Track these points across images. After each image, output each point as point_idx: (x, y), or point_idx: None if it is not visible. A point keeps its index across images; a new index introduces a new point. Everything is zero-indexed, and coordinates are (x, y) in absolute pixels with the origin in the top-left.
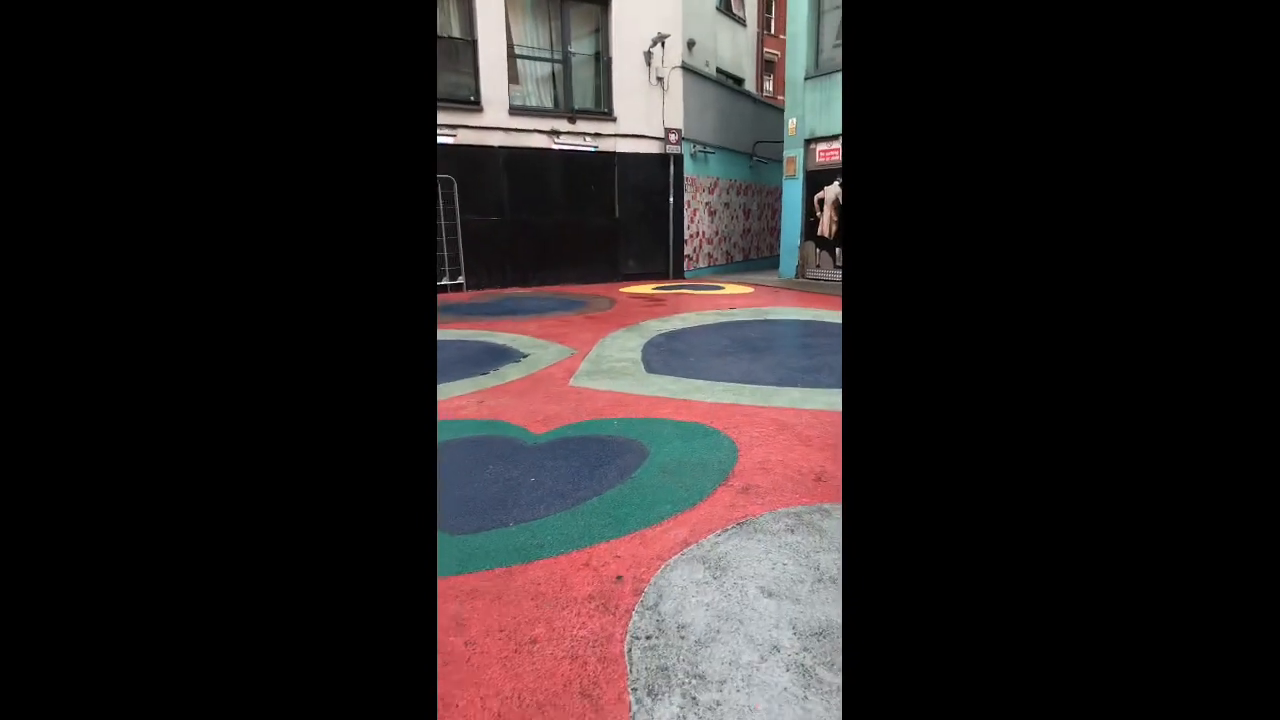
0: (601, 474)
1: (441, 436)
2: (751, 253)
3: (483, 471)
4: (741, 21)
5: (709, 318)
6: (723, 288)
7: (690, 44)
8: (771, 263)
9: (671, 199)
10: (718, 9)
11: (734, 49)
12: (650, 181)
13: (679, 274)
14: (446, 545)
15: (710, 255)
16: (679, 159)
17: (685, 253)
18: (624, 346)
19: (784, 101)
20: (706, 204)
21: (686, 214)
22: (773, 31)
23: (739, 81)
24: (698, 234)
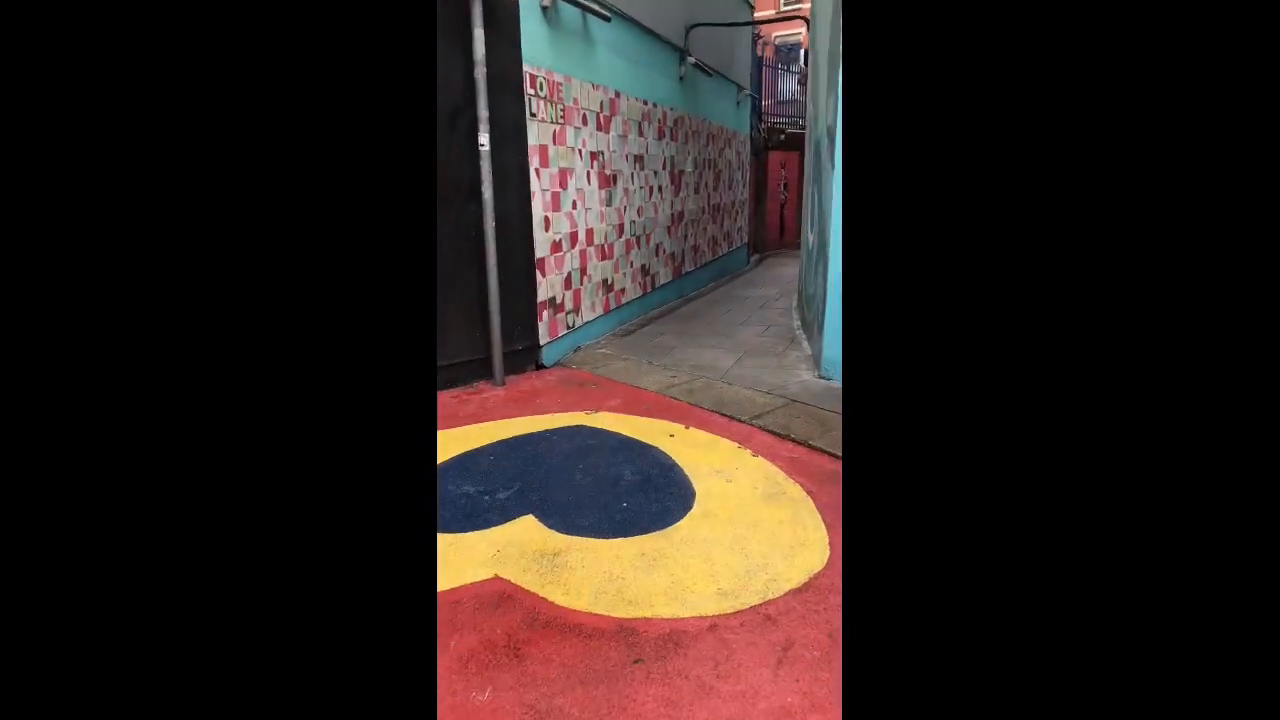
0: None
1: None
2: (685, 263)
3: None
4: None
5: None
6: (695, 502)
7: None
8: (717, 273)
9: (485, 135)
10: None
11: None
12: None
13: (527, 360)
14: None
15: (608, 288)
16: (509, 10)
17: (539, 296)
18: None
19: None
20: (594, 155)
21: (540, 181)
22: None
23: None
24: (569, 234)
